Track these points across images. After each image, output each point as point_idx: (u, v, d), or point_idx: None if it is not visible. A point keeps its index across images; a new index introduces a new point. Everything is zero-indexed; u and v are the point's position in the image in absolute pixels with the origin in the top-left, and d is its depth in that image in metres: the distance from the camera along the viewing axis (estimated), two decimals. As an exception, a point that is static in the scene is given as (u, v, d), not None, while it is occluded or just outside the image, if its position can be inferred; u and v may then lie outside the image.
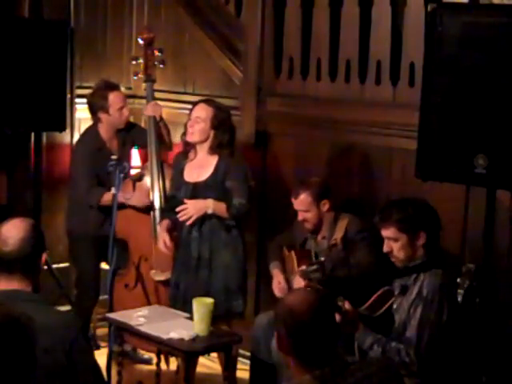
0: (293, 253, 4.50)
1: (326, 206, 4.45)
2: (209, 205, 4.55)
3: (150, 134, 5.12)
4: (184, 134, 4.71)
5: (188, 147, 4.71)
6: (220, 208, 4.56)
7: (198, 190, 4.62)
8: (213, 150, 4.62)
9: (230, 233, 4.63)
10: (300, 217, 4.46)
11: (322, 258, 4.31)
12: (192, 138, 4.64)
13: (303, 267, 4.25)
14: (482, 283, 3.79)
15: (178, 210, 4.59)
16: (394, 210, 3.69)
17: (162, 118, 5.14)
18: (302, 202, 4.43)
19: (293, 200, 4.46)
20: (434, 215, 3.71)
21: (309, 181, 4.50)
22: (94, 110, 5.16)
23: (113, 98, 5.10)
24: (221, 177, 4.59)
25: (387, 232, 3.68)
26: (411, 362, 3.50)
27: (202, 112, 4.61)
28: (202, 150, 4.66)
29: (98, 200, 4.97)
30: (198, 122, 4.60)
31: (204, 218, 4.58)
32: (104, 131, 5.16)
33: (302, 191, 4.43)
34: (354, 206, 4.69)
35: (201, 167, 4.66)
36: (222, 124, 4.61)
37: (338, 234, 4.41)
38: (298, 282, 4.29)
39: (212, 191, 4.59)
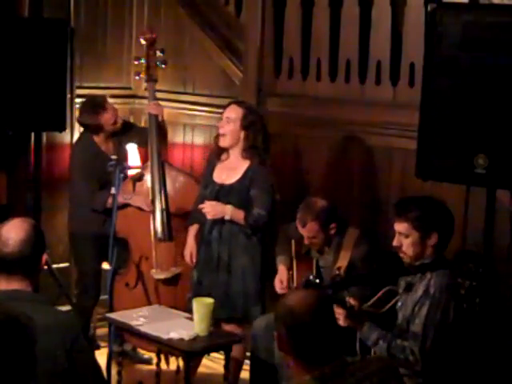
0: (294, 263, 4.47)
1: (333, 229, 4.33)
2: (227, 211, 4.54)
3: (150, 134, 5.12)
4: (217, 136, 4.68)
5: (221, 148, 4.69)
6: (238, 215, 4.54)
7: (222, 193, 4.62)
8: (246, 152, 4.59)
9: (250, 239, 4.61)
10: (307, 241, 4.35)
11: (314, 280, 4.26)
12: (224, 143, 4.62)
13: (299, 285, 4.27)
14: (482, 283, 3.79)
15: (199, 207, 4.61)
16: (412, 207, 3.64)
17: (162, 119, 5.15)
18: (309, 230, 4.30)
19: (299, 227, 4.32)
20: (450, 218, 3.67)
21: (315, 207, 4.30)
22: (87, 127, 5.17)
23: (106, 117, 5.10)
24: (247, 183, 4.57)
25: (400, 227, 3.65)
26: (415, 360, 3.50)
27: (232, 113, 4.59)
28: (235, 154, 4.64)
29: (103, 204, 4.98)
30: (227, 122, 4.58)
31: (224, 221, 4.58)
32: (98, 137, 5.17)
33: (309, 220, 4.27)
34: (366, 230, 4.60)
35: (231, 170, 4.64)
36: (252, 125, 4.57)
37: (343, 262, 4.29)
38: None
39: (236, 196, 4.58)
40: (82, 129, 5.49)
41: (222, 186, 4.64)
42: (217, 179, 4.68)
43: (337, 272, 4.29)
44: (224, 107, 4.71)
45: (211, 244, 4.64)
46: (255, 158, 4.59)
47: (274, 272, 4.55)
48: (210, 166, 4.76)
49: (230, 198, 4.58)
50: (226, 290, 4.55)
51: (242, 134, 4.59)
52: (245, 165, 4.62)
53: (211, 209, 4.56)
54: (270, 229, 4.68)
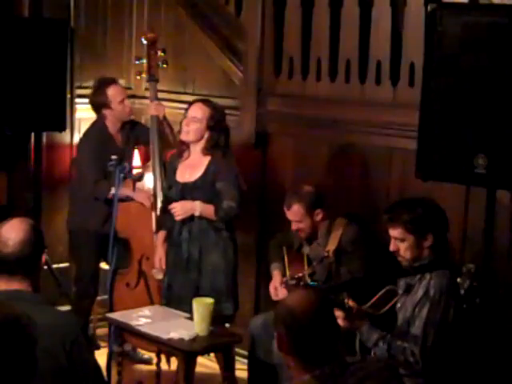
0: (286, 257, 4.50)
1: (319, 215, 4.41)
2: (196, 207, 4.56)
3: (152, 134, 5.12)
4: (179, 132, 4.72)
5: (182, 146, 4.72)
6: (208, 210, 4.57)
7: (186, 190, 4.64)
8: (207, 150, 4.63)
9: (220, 234, 4.63)
10: (294, 227, 4.42)
11: (301, 274, 4.31)
12: (187, 137, 4.65)
13: (286, 278, 4.33)
14: (482, 283, 3.79)
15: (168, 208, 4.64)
16: (403, 211, 3.65)
17: (165, 118, 5.14)
18: (294, 213, 4.39)
19: (285, 210, 4.42)
20: (443, 217, 3.68)
21: (301, 191, 4.43)
22: (97, 109, 5.18)
23: (112, 92, 5.13)
24: (211, 178, 4.60)
25: (394, 232, 3.66)
26: (416, 361, 3.50)
27: (199, 112, 4.62)
28: (196, 150, 4.67)
29: (105, 194, 4.97)
30: (194, 121, 4.61)
31: (193, 219, 4.59)
32: (111, 125, 5.18)
33: (295, 202, 4.38)
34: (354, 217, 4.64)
35: (192, 167, 4.67)
36: (217, 124, 4.61)
37: (331, 246, 4.37)
38: (283, 293, 4.32)
39: (200, 192, 4.60)
40: (82, 129, 5.51)
41: (185, 184, 4.66)
42: (180, 178, 4.70)
43: (325, 254, 4.33)
44: (189, 104, 4.73)
45: (181, 245, 4.65)
46: (216, 153, 4.61)
47: (269, 278, 4.57)
48: (172, 166, 4.77)
49: (194, 195, 4.60)
50: (196, 290, 4.54)
51: (207, 134, 4.61)
52: (206, 160, 4.64)
53: (180, 208, 4.58)
54: (237, 219, 4.68)
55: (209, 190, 4.59)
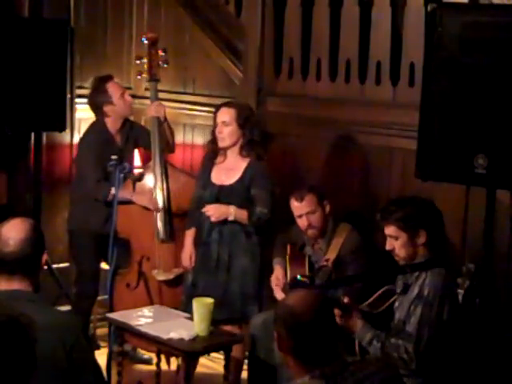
0: (287, 257, 4.50)
1: (327, 206, 4.44)
2: (231, 211, 4.56)
3: (153, 135, 5.10)
4: (211, 141, 4.73)
5: (217, 150, 4.71)
6: (241, 215, 4.57)
7: (222, 193, 4.63)
8: (245, 148, 4.62)
9: (250, 238, 4.63)
10: (306, 222, 4.40)
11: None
12: (224, 143, 4.65)
13: (285, 283, 4.31)
14: (482, 283, 3.79)
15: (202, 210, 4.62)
16: (395, 209, 3.69)
17: (166, 119, 5.13)
18: (308, 202, 4.39)
19: (297, 204, 4.40)
20: (436, 213, 3.70)
21: (305, 185, 4.51)
22: (98, 107, 5.16)
23: (111, 88, 5.13)
24: (247, 183, 4.60)
25: (388, 230, 3.69)
26: (410, 359, 3.50)
27: (226, 115, 4.62)
28: (233, 153, 4.67)
29: (105, 195, 4.96)
30: (224, 125, 4.61)
31: (225, 221, 4.59)
32: (111, 123, 5.17)
33: (306, 192, 4.40)
34: (354, 218, 4.64)
35: (230, 170, 4.67)
36: (247, 121, 4.62)
37: (331, 254, 4.36)
38: (280, 295, 4.34)
39: (237, 196, 4.60)
40: (82, 129, 5.51)
41: (221, 186, 4.65)
42: (216, 181, 4.68)
43: (325, 263, 4.33)
44: (214, 112, 4.72)
45: (210, 246, 4.64)
46: (253, 155, 4.62)
47: (271, 273, 4.56)
48: (207, 168, 4.76)
49: (230, 199, 4.59)
50: (224, 292, 4.55)
51: (240, 133, 4.61)
52: (243, 164, 4.64)
53: (215, 211, 4.57)
54: (269, 225, 4.68)
55: (244, 195, 4.59)
